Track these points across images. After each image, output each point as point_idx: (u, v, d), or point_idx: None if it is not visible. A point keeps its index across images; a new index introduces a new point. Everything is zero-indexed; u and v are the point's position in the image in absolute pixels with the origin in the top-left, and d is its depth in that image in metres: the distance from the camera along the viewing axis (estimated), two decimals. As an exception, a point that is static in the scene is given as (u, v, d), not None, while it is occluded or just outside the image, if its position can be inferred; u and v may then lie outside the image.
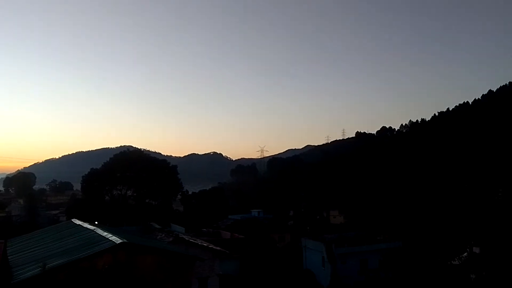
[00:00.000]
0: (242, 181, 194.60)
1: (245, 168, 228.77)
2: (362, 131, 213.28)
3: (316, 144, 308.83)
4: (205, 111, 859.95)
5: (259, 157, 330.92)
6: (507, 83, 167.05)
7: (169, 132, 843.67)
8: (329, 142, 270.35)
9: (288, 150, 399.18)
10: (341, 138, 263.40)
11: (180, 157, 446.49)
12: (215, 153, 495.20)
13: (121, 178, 68.93)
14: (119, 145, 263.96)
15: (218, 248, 31.02)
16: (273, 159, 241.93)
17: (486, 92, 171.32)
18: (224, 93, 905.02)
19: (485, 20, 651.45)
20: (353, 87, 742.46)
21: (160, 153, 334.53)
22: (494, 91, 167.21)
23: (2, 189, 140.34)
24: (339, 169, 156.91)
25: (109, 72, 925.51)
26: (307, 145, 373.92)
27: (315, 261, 45.46)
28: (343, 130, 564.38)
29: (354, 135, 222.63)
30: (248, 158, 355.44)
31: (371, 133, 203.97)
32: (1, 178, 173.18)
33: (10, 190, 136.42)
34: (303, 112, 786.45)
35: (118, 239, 18.20)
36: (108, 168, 70.62)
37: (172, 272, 19.08)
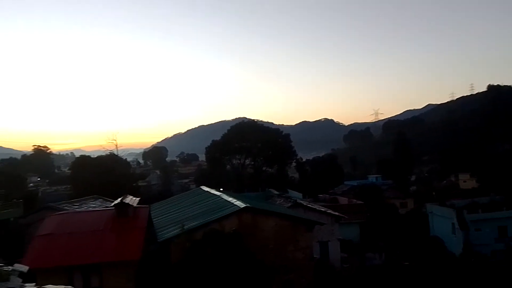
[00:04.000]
0: (355, 146, 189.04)
1: (359, 133, 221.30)
2: (495, 84, 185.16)
3: (439, 103, 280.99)
4: (313, 77, 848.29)
5: (373, 121, 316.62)
6: None
7: (280, 101, 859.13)
8: (455, 99, 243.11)
9: (406, 111, 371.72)
10: (468, 94, 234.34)
11: (291, 125, 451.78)
12: (326, 119, 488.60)
13: (239, 148, 73.08)
14: (234, 117, 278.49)
15: (337, 213, 30.94)
16: (389, 122, 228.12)
17: None
18: (332, 55, 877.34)
19: None
20: (482, 34, 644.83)
21: (273, 123, 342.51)
22: None
23: (142, 162, 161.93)
24: (468, 128, 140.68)
25: (219, 45, 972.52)
26: (428, 104, 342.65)
27: (443, 228, 42.30)
28: (471, 84, 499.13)
29: (485, 89, 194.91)
30: (361, 123, 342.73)
31: (507, 86, 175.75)
32: (140, 152, 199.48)
33: (148, 162, 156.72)
34: (422, 68, 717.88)
35: (242, 203, 19.44)
36: (226, 139, 75.43)
37: (293, 235, 19.73)
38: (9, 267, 5.78)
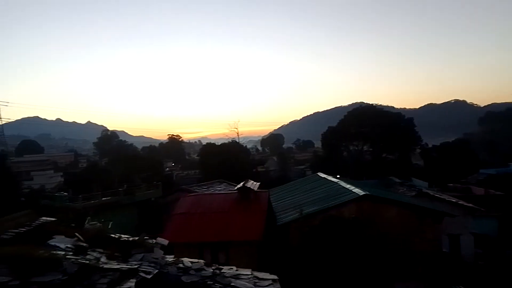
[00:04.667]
0: (494, 130, 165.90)
1: (498, 115, 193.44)
2: None
3: None
4: (440, 56, 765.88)
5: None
6: None
7: (401, 84, 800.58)
8: None
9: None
10: None
11: (415, 108, 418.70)
12: (456, 100, 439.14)
13: (356, 134, 70.62)
14: (351, 103, 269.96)
15: (470, 204, 27.79)
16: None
17: None
18: (461, 30, 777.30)
19: None
20: None
21: (393, 107, 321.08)
22: None
23: (260, 148, 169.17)
24: None
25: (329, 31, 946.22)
26: None
27: None
28: None
29: None
30: (501, 103, 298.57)
31: None
32: (259, 139, 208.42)
33: (266, 149, 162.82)
34: None
35: (361, 191, 18.84)
36: (343, 125, 73.57)
37: (418, 226, 18.39)
38: (153, 240, 6.67)
